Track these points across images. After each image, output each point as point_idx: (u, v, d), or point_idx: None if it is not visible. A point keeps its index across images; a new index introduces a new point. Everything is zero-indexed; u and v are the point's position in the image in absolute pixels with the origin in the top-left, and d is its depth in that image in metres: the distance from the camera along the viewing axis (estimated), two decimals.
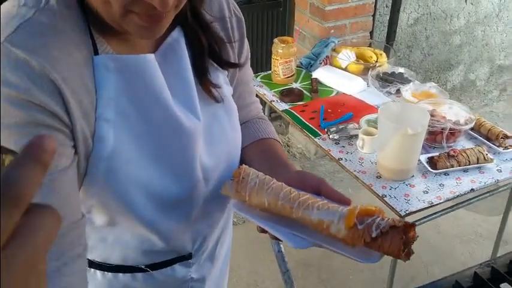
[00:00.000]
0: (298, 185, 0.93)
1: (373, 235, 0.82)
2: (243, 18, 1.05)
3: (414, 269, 2.68)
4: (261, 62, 3.37)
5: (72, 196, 0.79)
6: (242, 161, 1.08)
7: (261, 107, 1.23)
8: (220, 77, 1.00)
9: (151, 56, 0.86)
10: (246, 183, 0.92)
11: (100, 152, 0.82)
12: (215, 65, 0.98)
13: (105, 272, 1.04)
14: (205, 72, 0.96)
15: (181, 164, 0.93)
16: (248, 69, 1.15)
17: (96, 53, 0.81)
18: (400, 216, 1.88)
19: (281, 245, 1.53)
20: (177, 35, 0.92)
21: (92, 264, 1.04)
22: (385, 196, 1.92)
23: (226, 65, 1.00)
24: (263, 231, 0.92)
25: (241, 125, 1.10)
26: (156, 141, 0.89)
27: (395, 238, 0.82)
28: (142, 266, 1.04)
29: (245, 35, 1.06)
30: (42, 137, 0.35)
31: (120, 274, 1.04)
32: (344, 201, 0.90)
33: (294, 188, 0.92)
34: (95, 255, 1.02)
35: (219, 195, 0.95)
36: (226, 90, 1.02)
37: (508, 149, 2.16)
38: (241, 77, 1.11)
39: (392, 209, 1.88)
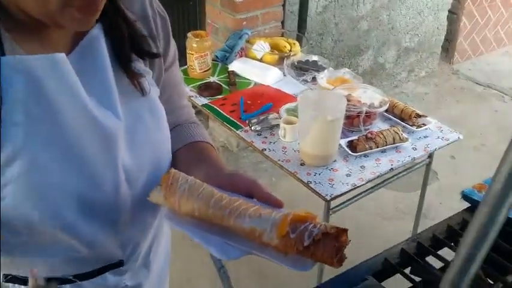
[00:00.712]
0: (230, 187, 0.92)
1: (306, 244, 0.81)
2: (167, 18, 1.03)
3: None
4: None
5: None
6: (173, 165, 1.05)
7: (193, 111, 1.20)
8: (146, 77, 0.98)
9: (61, 55, 0.82)
10: (175, 190, 0.88)
11: (7, 156, 0.79)
12: (138, 63, 0.96)
13: None
14: (128, 63, 0.93)
15: (101, 165, 0.89)
16: (177, 71, 1.12)
17: (3, 53, 0.78)
18: (325, 200, 1.92)
19: None
20: (96, 32, 0.89)
21: (15, 279, 0.98)
22: (310, 182, 1.95)
23: (147, 55, 0.97)
24: None
25: (172, 129, 1.07)
26: (72, 143, 0.85)
27: (327, 246, 0.81)
28: (70, 277, 0.99)
29: (171, 36, 1.04)
30: None
31: None
32: (276, 203, 0.89)
33: (226, 190, 0.90)
34: (18, 270, 0.97)
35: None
36: (153, 91, 1.00)
37: (421, 127, 2.26)
38: (169, 78, 1.08)
39: (318, 194, 1.92)
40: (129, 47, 0.93)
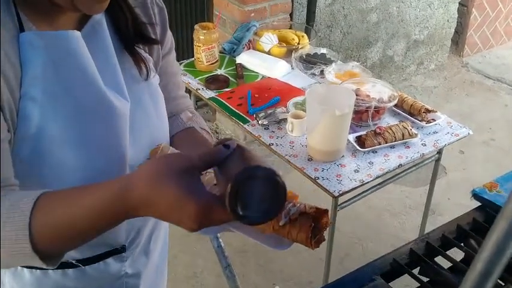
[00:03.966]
0: None
1: (281, 223, 0.80)
2: (164, 8, 1.06)
3: (349, 245, 2.74)
4: (183, 50, 3.31)
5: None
6: None
7: (191, 103, 1.21)
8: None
9: (78, 33, 0.87)
10: None
11: (24, 132, 0.82)
12: (139, 49, 0.99)
13: (33, 270, 1.00)
14: (133, 46, 0.97)
15: (113, 147, 0.92)
16: (173, 61, 1.14)
17: (22, 30, 0.81)
18: (333, 196, 1.90)
19: (220, 240, 1.51)
20: (99, 16, 0.92)
21: None
22: (318, 178, 1.93)
23: (147, 40, 1.00)
24: None
25: (169, 118, 1.09)
26: (86, 123, 0.88)
27: (303, 226, 0.79)
28: (73, 261, 1.01)
29: (167, 25, 1.07)
30: None
31: (50, 271, 1.00)
32: None
33: None
34: None
35: None
36: (154, 77, 1.03)
37: (430, 122, 2.23)
38: (166, 67, 1.10)
39: (326, 190, 1.90)
40: (132, 32, 0.96)
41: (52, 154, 0.84)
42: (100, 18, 0.92)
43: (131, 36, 0.96)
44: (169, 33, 1.09)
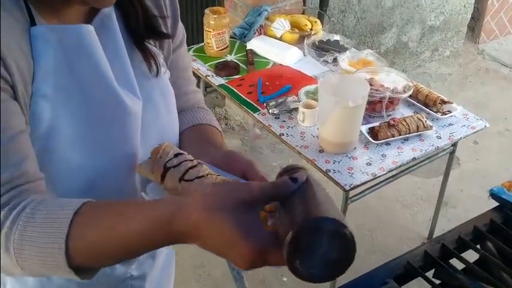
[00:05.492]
0: (225, 167, 0.87)
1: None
2: None
3: (359, 236, 2.67)
4: (193, 35, 3.24)
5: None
6: (178, 146, 1.02)
7: (202, 98, 1.16)
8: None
9: (91, 27, 0.83)
10: (162, 163, 0.84)
11: (34, 130, 0.78)
12: (149, 43, 0.95)
13: None
14: (143, 41, 0.93)
15: (123, 147, 0.89)
16: (184, 54, 1.09)
17: (33, 23, 0.78)
18: (344, 190, 1.85)
19: None
20: (108, 10, 0.88)
21: None
22: (329, 171, 1.88)
23: (158, 34, 0.96)
24: None
25: (178, 113, 1.04)
26: (97, 122, 0.85)
27: None
28: None
29: (179, 17, 1.02)
30: None
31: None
32: None
33: (221, 170, 0.85)
34: None
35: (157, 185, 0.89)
36: (164, 72, 0.99)
37: (446, 114, 2.17)
38: (176, 61, 1.05)
39: (337, 183, 1.85)
40: (142, 26, 0.92)
41: (61, 152, 0.81)
42: (109, 12, 0.88)
43: (141, 31, 0.92)
44: (180, 25, 1.03)
